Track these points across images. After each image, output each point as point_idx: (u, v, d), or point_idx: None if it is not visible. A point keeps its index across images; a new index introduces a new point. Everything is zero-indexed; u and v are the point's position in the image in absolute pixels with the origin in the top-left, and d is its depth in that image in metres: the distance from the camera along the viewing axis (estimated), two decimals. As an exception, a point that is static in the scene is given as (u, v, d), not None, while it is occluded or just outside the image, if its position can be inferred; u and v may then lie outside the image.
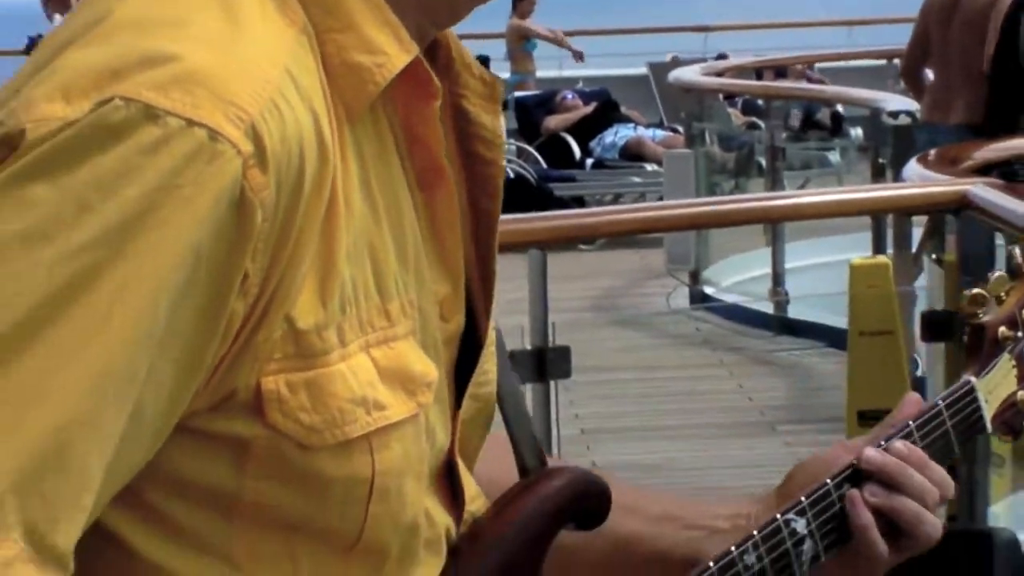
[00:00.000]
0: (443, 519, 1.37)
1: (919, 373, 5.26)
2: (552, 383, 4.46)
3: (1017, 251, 1.77)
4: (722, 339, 8.65)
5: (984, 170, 5.80)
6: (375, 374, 1.26)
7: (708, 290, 9.27)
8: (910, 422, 1.60)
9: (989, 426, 1.68)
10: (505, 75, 15.78)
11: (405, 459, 1.28)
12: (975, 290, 1.71)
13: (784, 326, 8.59)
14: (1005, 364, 1.69)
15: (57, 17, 15.79)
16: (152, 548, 1.22)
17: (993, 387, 1.68)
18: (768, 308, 8.79)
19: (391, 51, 1.26)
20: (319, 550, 1.27)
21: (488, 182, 1.41)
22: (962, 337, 4.13)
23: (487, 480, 1.45)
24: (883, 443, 1.57)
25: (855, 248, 6.48)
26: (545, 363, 4.38)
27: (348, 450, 1.24)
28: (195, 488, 1.22)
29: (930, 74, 8.16)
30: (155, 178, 1.13)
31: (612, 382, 7.58)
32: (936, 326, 4.37)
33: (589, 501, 1.44)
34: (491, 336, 1.43)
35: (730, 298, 9.12)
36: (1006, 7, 7.23)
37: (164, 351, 1.15)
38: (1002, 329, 1.69)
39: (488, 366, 1.43)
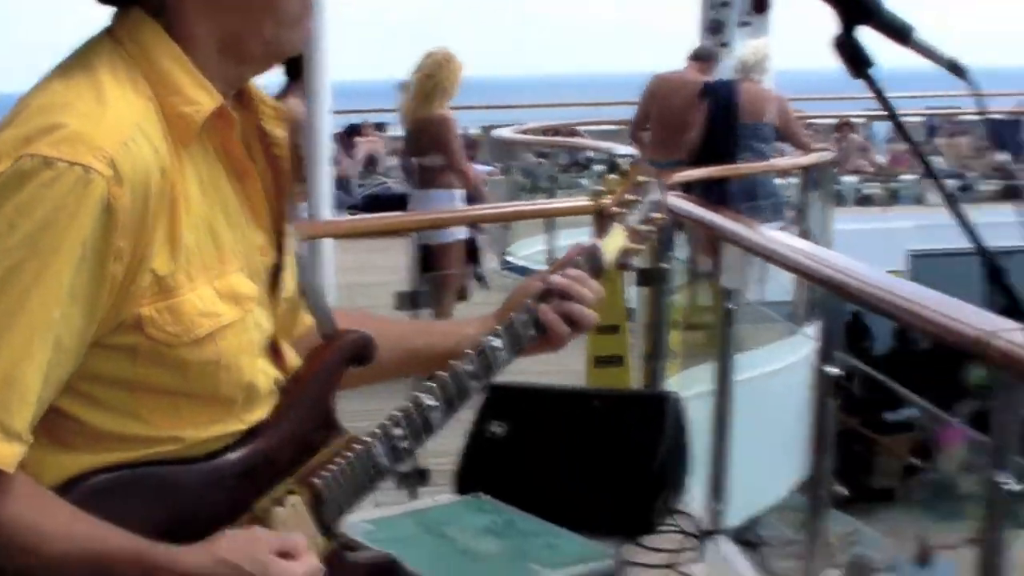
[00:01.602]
0: (274, 373, 1.35)
1: (631, 305, 5.12)
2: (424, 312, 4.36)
3: (621, 161, 1.74)
4: (520, 287, 8.53)
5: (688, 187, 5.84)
6: (216, 296, 1.25)
7: (510, 259, 9.17)
8: (577, 256, 1.61)
9: (608, 264, 1.67)
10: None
11: (239, 345, 1.28)
12: (596, 187, 1.72)
13: (555, 280, 8.46)
14: (617, 229, 1.69)
15: None
16: (89, 416, 1.23)
17: (610, 243, 1.68)
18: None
19: (204, 101, 1.25)
20: (192, 403, 1.27)
21: (282, 171, 1.38)
22: (661, 285, 3.99)
23: (305, 348, 1.43)
24: (562, 272, 1.59)
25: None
26: (418, 298, 4.26)
27: (200, 344, 1.24)
28: (108, 378, 1.23)
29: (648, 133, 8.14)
30: (52, 202, 1.14)
31: (461, 311, 7.26)
32: (645, 278, 4.12)
33: (363, 350, 1.43)
34: (290, 261, 1.40)
35: (523, 263, 8.94)
36: (696, 91, 7.32)
37: (72, 304, 1.16)
38: (614, 209, 1.71)
39: (288, 280, 1.40)
